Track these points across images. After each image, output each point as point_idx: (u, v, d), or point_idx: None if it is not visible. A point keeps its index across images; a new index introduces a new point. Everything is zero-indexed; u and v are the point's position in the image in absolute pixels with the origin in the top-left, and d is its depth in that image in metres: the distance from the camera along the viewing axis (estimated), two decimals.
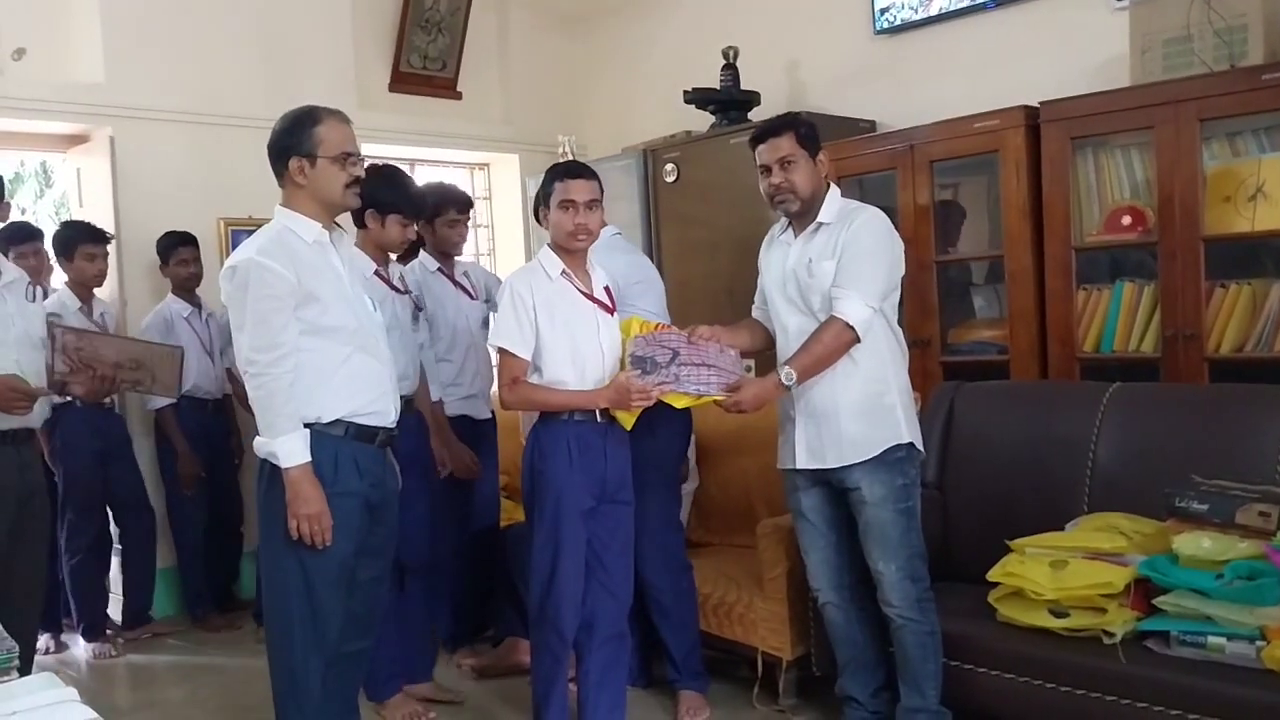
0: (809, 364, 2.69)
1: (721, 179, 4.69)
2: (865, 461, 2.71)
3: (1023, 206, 3.71)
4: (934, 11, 4.48)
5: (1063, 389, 3.45)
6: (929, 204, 3.99)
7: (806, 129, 2.81)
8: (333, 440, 2.48)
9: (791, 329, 2.81)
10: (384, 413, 2.58)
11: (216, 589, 4.65)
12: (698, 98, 4.92)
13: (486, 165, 6.26)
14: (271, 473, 2.45)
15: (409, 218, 3.29)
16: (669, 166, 4.93)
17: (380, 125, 5.30)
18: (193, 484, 4.43)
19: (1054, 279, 3.66)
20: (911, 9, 4.55)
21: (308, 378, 2.44)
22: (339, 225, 2.66)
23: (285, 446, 2.40)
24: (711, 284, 4.62)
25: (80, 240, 4.14)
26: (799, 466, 2.82)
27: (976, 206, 4.17)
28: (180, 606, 4.65)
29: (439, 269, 3.73)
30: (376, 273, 3.23)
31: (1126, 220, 3.54)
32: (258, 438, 2.44)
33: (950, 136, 3.92)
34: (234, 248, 4.43)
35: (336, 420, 2.48)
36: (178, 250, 4.48)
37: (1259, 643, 2.31)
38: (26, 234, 4.10)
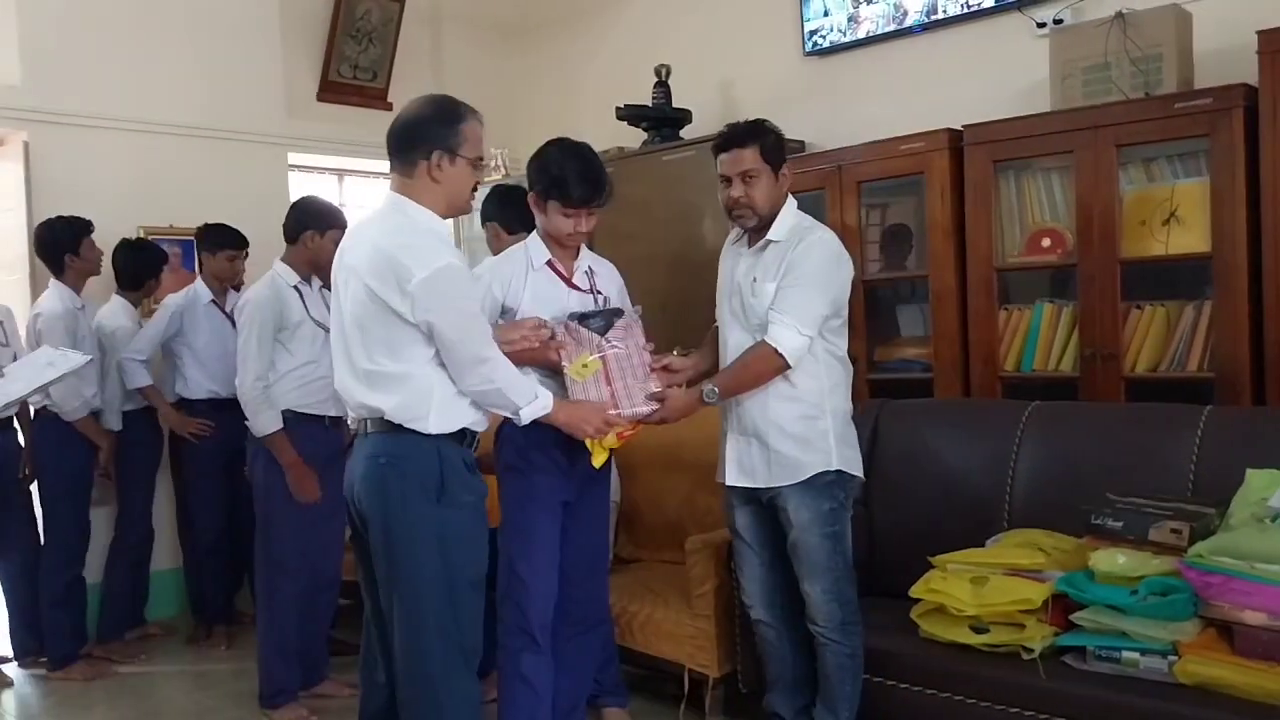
0: (731, 384, 2.68)
1: (655, 195, 4.69)
2: (794, 484, 2.70)
3: (947, 227, 3.78)
4: (862, 34, 4.55)
5: (984, 407, 3.51)
6: (857, 224, 4.05)
7: (773, 141, 2.74)
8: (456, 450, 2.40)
9: (731, 342, 2.79)
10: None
11: (225, 597, 4.49)
12: (630, 114, 4.94)
13: None
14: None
15: (576, 207, 2.74)
16: None
17: (309, 134, 5.23)
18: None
19: (977, 299, 3.73)
20: (840, 31, 4.62)
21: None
22: None
23: (541, 403, 2.45)
24: (646, 300, 4.56)
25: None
26: (729, 483, 2.81)
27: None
28: (184, 610, 4.65)
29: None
30: (549, 264, 2.82)
31: (1047, 242, 3.62)
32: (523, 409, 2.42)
33: (878, 158, 3.99)
34: None
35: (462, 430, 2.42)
36: (226, 249, 4.31)
37: (1171, 657, 2.36)
38: None
